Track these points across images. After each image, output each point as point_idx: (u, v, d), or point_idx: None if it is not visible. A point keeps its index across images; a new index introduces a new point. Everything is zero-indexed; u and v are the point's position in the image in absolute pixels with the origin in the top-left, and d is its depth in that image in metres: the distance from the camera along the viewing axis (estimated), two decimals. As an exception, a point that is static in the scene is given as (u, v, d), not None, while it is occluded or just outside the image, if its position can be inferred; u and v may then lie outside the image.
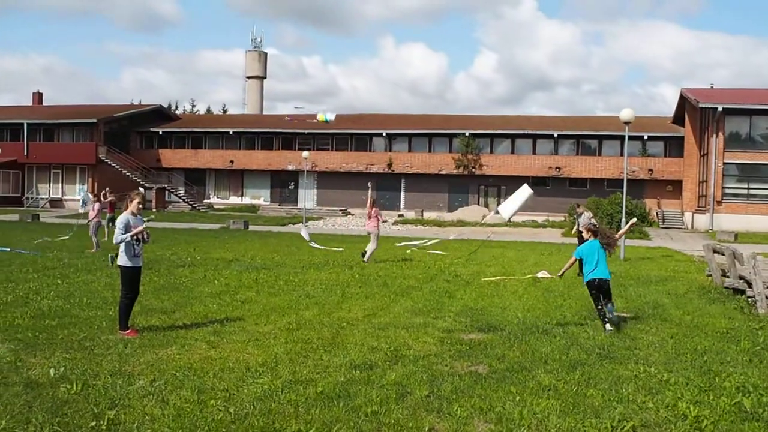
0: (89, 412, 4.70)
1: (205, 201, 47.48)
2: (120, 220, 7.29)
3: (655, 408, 5.04)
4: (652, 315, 9.06)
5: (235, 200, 47.90)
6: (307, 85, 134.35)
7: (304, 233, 20.80)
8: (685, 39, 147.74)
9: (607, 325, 7.89)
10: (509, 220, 14.88)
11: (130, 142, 48.80)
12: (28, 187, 47.53)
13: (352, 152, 45.45)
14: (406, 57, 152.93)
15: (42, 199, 46.84)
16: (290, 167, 45.48)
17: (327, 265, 14.68)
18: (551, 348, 6.91)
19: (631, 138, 26.98)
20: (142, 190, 19.44)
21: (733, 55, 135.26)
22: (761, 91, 38.39)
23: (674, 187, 40.29)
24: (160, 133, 48.64)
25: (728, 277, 11.21)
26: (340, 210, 43.98)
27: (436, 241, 18.20)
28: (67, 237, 18.13)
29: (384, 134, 44.74)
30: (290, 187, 47.29)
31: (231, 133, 47.68)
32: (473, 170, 42.85)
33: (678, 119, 41.34)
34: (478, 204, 43.39)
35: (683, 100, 38.30)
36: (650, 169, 40.63)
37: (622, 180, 20.35)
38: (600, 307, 8.12)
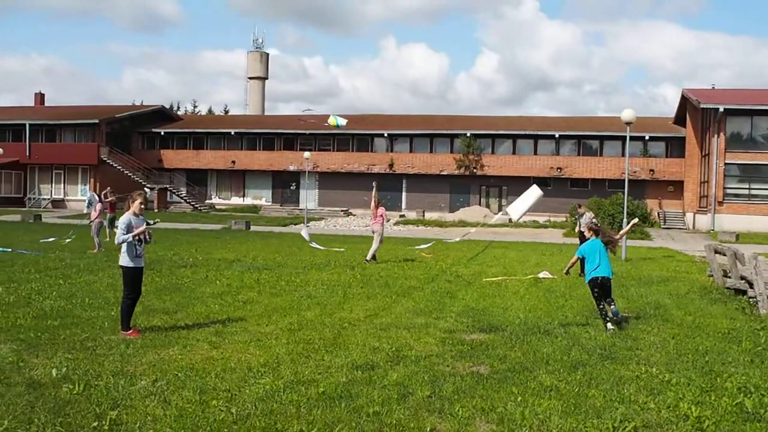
0: (91, 412, 4.71)
1: (207, 201, 47.53)
2: (122, 221, 7.30)
3: (657, 408, 5.04)
4: (653, 315, 9.05)
5: (236, 201, 47.95)
6: (309, 86, 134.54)
7: (304, 234, 20.82)
8: (686, 39, 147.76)
9: (609, 325, 7.92)
10: (518, 220, 14.97)
11: (132, 142, 48.87)
12: (30, 188, 47.61)
13: (353, 153, 45.49)
14: (407, 57, 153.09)
15: (44, 199, 46.92)
16: (292, 168, 45.51)
17: (329, 265, 14.68)
18: (553, 348, 6.91)
19: (632, 138, 26.99)
20: (148, 190, 19.46)
21: (734, 56, 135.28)
22: (762, 91, 38.37)
23: (675, 188, 40.28)
24: (162, 133, 48.71)
25: (730, 277, 11.21)
26: (342, 210, 44.00)
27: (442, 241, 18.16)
28: (70, 239, 18.14)
29: (385, 135, 44.76)
30: (292, 187, 47.32)
31: (233, 133, 47.72)
32: (474, 171, 42.86)
33: (679, 120, 41.33)
34: (480, 204, 43.40)
35: (684, 101, 38.28)
36: (651, 170, 40.62)
37: (624, 180, 20.35)
38: (602, 306, 8.15)
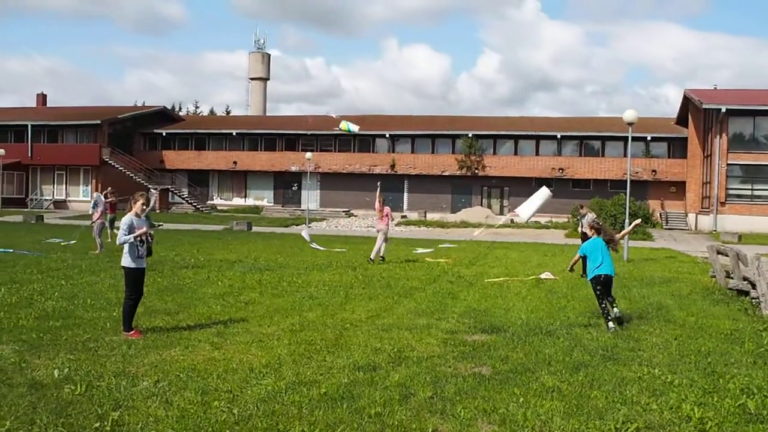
0: (93, 413, 4.71)
1: (209, 202, 47.58)
2: (124, 221, 7.31)
3: (659, 410, 5.03)
4: (655, 316, 9.04)
5: (238, 201, 47.98)
6: (311, 87, 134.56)
7: (305, 234, 20.84)
8: (688, 40, 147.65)
9: (610, 324, 7.97)
10: (527, 221, 15.14)
11: (134, 143, 48.94)
12: (32, 189, 47.68)
13: (355, 153, 45.50)
14: (409, 58, 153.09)
15: (46, 200, 46.99)
16: (293, 168, 45.54)
17: (330, 266, 14.69)
18: (555, 349, 6.90)
19: (634, 139, 26.99)
20: (154, 191, 19.48)
21: (736, 56, 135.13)
22: (765, 91, 38.31)
23: (678, 188, 40.23)
24: (164, 134, 48.77)
25: (732, 278, 11.19)
26: (343, 211, 44.00)
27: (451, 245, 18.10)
28: (74, 241, 18.15)
29: (387, 135, 44.77)
30: (293, 188, 47.35)
31: (234, 134, 47.76)
32: (476, 171, 42.86)
33: (681, 120, 41.29)
34: (482, 205, 43.38)
35: (686, 101, 38.25)
36: (654, 170, 40.59)
37: (626, 181, 20.33)
38: (604, 304, 8.20)
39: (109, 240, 18.31)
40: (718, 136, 34.01)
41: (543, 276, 13.36)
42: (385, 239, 15.89)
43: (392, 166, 44.00)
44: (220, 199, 48.52)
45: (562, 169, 41.60)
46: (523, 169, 42.30)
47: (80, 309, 8.66)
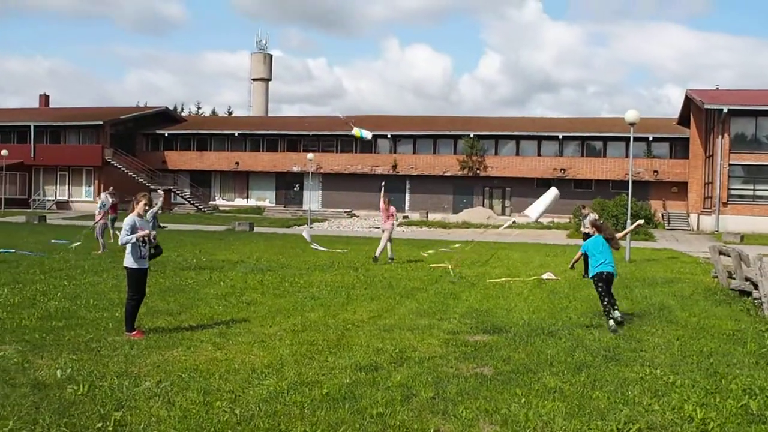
0: (96, 413, 4.72)
1: (211, 203, 47.62)
2: (126, 222, 7.32)
3: (661, 410, 5.03)
4: (657, 317, 9.04)
5: (240, 202, 48.02)
6: (312, 87, 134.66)
7: (306, 235, 20.86)
8: (689, 40, 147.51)
9: (611, 322, 8.03)
10: (536, 221, 15.28)
11: (136, 144, 48.99)
12: (34, 189, 47.75)
13: (356, 154, 45.51)
14: (410, 59, 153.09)
15: (48, 200, 47.05)
16: (295, 169, 45.56)
17: (332, 266, 14.69)
18: (557, 350, 6.91)
19: (636, 139, 26.97)
20: (161, 192, 19.49)
21: (738, 56, 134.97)
22: (767, 92, 38.24)
23: (680, 189, 40.17)
24: (166, 135, 48.83)
25: (734, 278, 11.18)
26: (345, 212, 44.01)
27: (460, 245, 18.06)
28: (79, 242, 18.19)
29: (389, 136, 44.77)
30: (295, 188, 47.38)
31: (236, 135, 47.79)
32: (478, 172, 42.85)
33: (683, 120, 41.25)
34: (483, 206, 43.36)
35: (688, 102, 38.21)
36: (655, 171, 40.54)
37: (627, 181, 20.31)
38: (606, 302, 8.25)
39: (111, 240, 18.34)
40: (719, 137, 33.98)
41: (545, 276, 13.36)
42: (389, 239, 15.98)
43: (394, 167, 44.00)
44: (222, 199, 48.56)
45: (563, 170, 41.58)
46: (525, 169, 42.29)
47: (83, 309, 8.68)
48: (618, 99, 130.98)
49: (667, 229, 35.66)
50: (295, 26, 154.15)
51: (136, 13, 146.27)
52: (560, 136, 42.23)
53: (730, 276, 11.59)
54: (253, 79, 73.74)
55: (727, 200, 34.08)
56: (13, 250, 16.27)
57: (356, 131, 18.43)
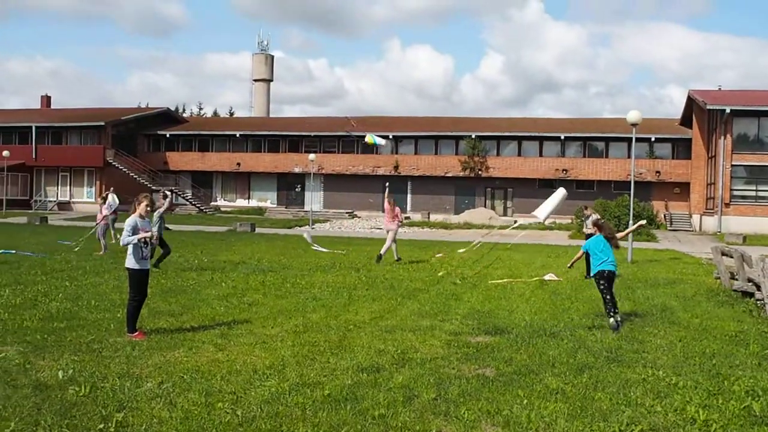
0: (97, 414, 4.72)
1: (212, 203, 47.65)
2: (128, 223, 7.32)
3: (664, 412, 5.02)
4: (660, 318, 9.02)
5: (241, 203, 48.05)
6: (314, 88, 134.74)
7: (306, 236, 20.87)
8: (692, 41, 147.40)
9: (611, 320, 8.08)
10: (544, 221, 15.35)
11: (138, 145, 49.05)
12: (36, 190, 47.82)
13: (358, 155, 45.51)
14: (412, 59, 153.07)
15: (50, 201, 47.10)
16: (297, 170, 45.58)
17: (334, 267, 14.69)
18: (559, 351, 6.89)
19: (638, 140, 26.92)
20: (169, 193, 19.55)
21: (740, 57, 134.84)
22: (769, 92, 38.21)
23: (682, 189, 40.13)
24: (168, 136, 48.87)
25: (737, 279, 11.15)
26: (347, 212, 44.01)
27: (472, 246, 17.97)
28: (78, 247, 18.21)
29: (390, 137, 44.74)
30: (297, 189, 47.39)
31: (238, 135, 47.83)
32: (480, 172, 42.84)
33: (685, 121, 41.21)
34: (485, 206, 43.34)
35: (691, 102, 38.18)
36: (658, 171, 40.50)
37: (630, 182, 20.28)
38: (608, 298, 8.31)
39: (113, 241, 18.36)
40: (722, 137, 33.94)
41: (547, 277, 13.34)
42: (393, 239, 16.04)
43: (395, 168, 44.00)
44: (224, 200, 48.59)
45: (565, 170, 41.55)
46: (527, 170, 42.28)
47: (84, 310, 8.68)
48: (620, 99, 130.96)
49: (670, 230, 35.62)
50: (296, 27, 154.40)
51: (137, 14, 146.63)
52: (562, 137, 42.20)
53: (732, 277, 11.56)
54: (255, 80, 73.81)
55: (730, 201, 34.04)
56: (14, 251, 16.29)
57: (369, 138, 18.52)
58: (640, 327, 8.33)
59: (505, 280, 12.94)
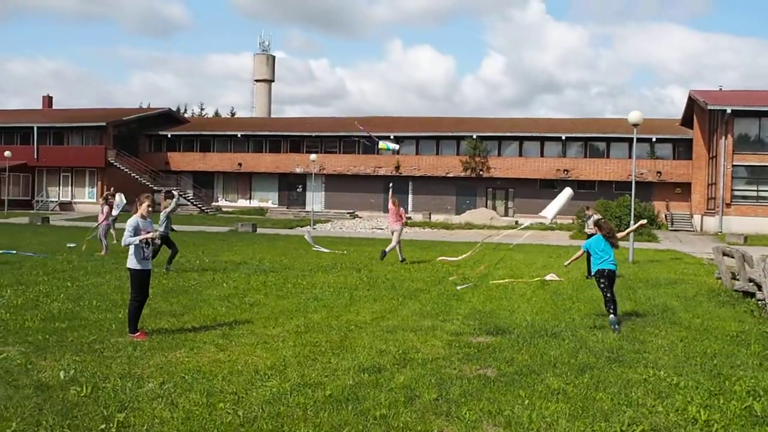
0: (99, 414, 4.73)
1: (214, 204, 47.67)
2: (129, 223, 7.33)
3: (665, 412, 5.02)
4: (661, 318, 9.02)
5: (243, 203, 48.06)
6: (315, 88, 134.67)
7: (307, 237, 20.87)
8: (693, 41, 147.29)
9: (612, 317, 8.13)
10: (551, 221, 15.45)
11: (139, 145, 49.08)
12: (38, 190, 47.86)
13: (359, 155, 45.51)
14: (413, 60, 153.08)
15: (52, 202, 47.16)
16: (298, 170, 45.59)
17: (335, 267, 14.70)
18: (560, 351, 6.89)
19: (639, 140, 26.90)
20: (176, 193, 19.56)
21: (741, 57, 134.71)
22: (770, 92, 38.17)
23: (683, 190, 40.12)
24: (169, 136, 48.90)
25: (738, 279, 11.14)
26: (348, 213, 44.02)
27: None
28: (87, 241, 18.24)
29: (392, 137, 44.70)
30: (298, 189, 47.40)
31: (239, 136, 47.85)
32: (481, 173, 42.83)
33: (686, 121, 41.18)
34: (486, 207, 43.33)
35: (692, 102, 38.15)
36: (659, 172, 40.48)
37: (631, 182, 20.27)
38: (609, 296, 8.35)
39: (115, 241, 18.37)
40: (723, 138, 33.92)
41: (548, 277, 13.33)
42: (398, 240, 16.12)
43: (397, 168, 44.01)
44: (225, 200, 48.62)
45: (566, 171, 41.54)
46: (528, 170, 42.27)
47: (86, 311, 8.69)
48: (621, 100, 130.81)
49: (671, 230, 35.59)
50: (297, 27, 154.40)
51: (138, 15, 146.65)
52: (563, 137, 42.19)
53: (733, 277, 11.56)
54: (256, 81, 73.85)
55: (731, 201, 34.02)
56: (15, 251, 16.31)
57: (382, 144, 18.59)
58: (642, 327, 8.33)
59: (506, 280, 12.94)
